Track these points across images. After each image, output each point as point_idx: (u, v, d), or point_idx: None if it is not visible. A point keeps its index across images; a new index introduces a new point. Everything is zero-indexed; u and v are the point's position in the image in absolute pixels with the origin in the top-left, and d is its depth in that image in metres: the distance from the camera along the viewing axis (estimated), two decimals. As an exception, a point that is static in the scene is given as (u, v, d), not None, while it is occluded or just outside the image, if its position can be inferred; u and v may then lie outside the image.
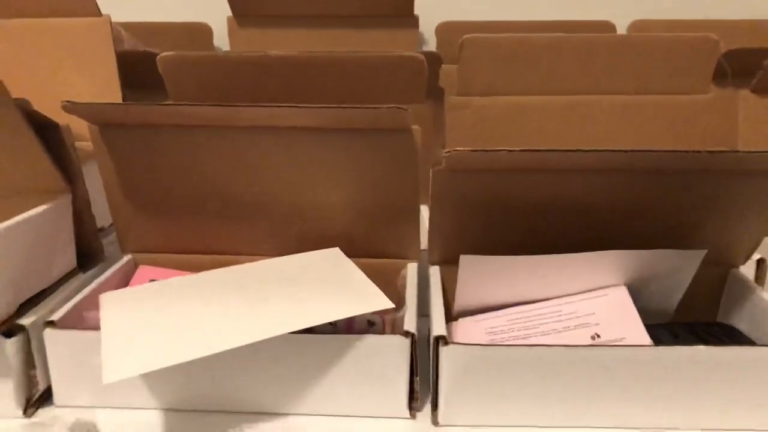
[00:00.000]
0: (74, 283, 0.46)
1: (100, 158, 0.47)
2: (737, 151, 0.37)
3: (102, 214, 0.51)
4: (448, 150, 0.39)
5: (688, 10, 0.94)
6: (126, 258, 0.50)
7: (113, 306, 0.40)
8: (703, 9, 0.95)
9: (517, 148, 0.37)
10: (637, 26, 0.93)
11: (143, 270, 0.49)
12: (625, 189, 0.44)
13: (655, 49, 0.61)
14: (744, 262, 0.51)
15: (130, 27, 0.80)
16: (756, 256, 0.52)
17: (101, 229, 0.53)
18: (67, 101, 0.40)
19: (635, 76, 0.62)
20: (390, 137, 0.46)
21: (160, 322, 0.38)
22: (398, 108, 0.41)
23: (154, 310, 0.39)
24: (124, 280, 0.49)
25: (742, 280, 0.49)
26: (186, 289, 0.42)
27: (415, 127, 0.46)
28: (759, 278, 0.53)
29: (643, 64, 0.61)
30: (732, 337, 0.47)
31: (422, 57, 0.56)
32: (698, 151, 0.37)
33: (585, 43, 0.60)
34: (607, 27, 0.93)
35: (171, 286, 0.42)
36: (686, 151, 0.37)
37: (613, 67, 0.61)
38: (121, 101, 0.58)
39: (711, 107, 0.64)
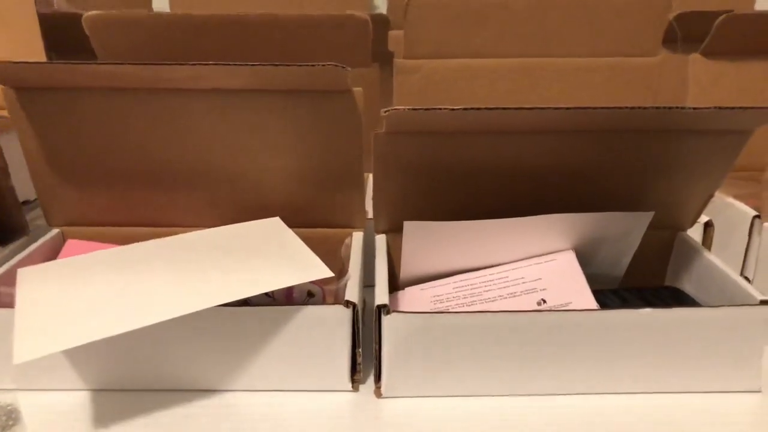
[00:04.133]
0: (-5, 257, 0.43)
1: (19, 125, 0.44)
2: (684, 108, 0.36)
3: (30, 187, 0.48)
4: (386, 109, 0.37)
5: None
6: (53, 232, 0.47)
7: (30, 281, 0.37)
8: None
9: (459, 107, 0.35)
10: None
11: (72, 244, 0.46)
12: (572, 150, 0.42)
13: (606, 10, 0.59)
14: (691, 225, 0.50)
15: (62, -13, 0.75)
16: (703, 218, 0.52)
17: (26, 202, 0.49)
18: (-27, 61, 0.37)
19: (586, 37, 0.60)
20: (330, 99, 0.43)
21: (81, 297, 0.35)
22: (336, 66, 0.39)
23: (75, 284, 0.37)
24: (51, 255, 0.46)
25: (689, 243, 0.49)
26: (112, 263, 0.39)
27: (356, 88, 0.44)
28: (706, 241, 0.53)
29: (594, 26, 0.60)
30: (679, 300, 0.47)
31: (366, 17, 0.54)
32: (644, 108, 0.36)
33: (535, 3, 0.58)
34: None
35: (96, 260, 0.40)
36: (630, 108, 0.36)
37: (565, 29, 0.59)
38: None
39: (661, 70, 0.63)
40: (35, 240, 0.46)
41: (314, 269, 0.38)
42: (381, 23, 0.63)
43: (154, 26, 0.52)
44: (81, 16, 0.60)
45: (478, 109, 0.36)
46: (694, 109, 0.36)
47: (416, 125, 0.39)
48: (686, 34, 0.72)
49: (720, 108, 0.36)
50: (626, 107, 0.36)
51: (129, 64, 0.38)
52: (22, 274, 0.38)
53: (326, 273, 0.37)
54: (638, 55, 0.61)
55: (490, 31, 0.58)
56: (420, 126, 0.40)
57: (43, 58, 0.55)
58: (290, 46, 0.54)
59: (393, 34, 0.69)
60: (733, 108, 0.36)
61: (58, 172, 0.46)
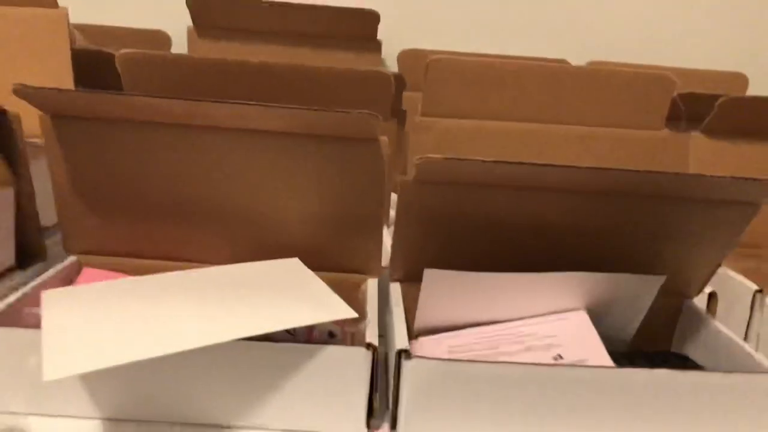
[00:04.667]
0: (12, 280, 0.43)
1: (50, 150, 0.44)
2: (702, 175, 0.38)
3: (48, 214, 0.48)
4: (420, 157, 0.38)
5: (641, 56, 0.98)
6: (70, 259, 0.47)
7: (56, 303, 0.37)
8: (654, 55, 0.99)
9: (489, 159, 0.37)
10: (593, 66, 0.96)
11: (88, 272, 0.46)
12: (588, 211, 0.44)
13: (615, 83, 0.62)
14: (698, 293, 0.51)
15: (85, 29, 0.77)
16: (708, 289, 0.53)
17: (46, 229, 0.49)
18: (20, 84, 0.37)
19: (595, 108, 0.63)
20: (357, 146, 0.45)
21: (107, 321, 0.35)
22: (369, 114, 0.41)
23: (100, 309, 0.37)
24: (67, 282, 0.46)
25: (695, 311, 0.50)
26: (135, 290, 0.39)
27: (383, 137, 0.45)
28: (710, 310, 0.54)
29: (603, 97, 0.63)
30: (687, 366, 0.48)
31: (389, 74, 0.56)
32: (662, 173, 0.38)
33: (549, 73, 0.61)
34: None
35: (119, 286, 0.40)
36: (649, 172, 0.38)
37: (575, 98, 0.62)
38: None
39: (665, 144, 0.66)
40: (52, 266, 0.46)
41: (337, 309, 0.38)
42: (398, 82, 0.66)
43: (186, 67, 0.54)
44: (104, 53, 0.62)
45: (508, 162, 0.37)
46: (711, 176, 0.38)
47: (445, 175, 0.40)
48: (688, 114, 0.75)
49: (734, 178, 0.38)
50: (646, 171, 0.37)
51: (168, 98, 0.39)
52: (47, 296, 0.38)
53: (350, 313, 0.38)
54: (644, 128, 0.64)
55: (504, 95, 0.61)
56: (448, 176, 0.41)
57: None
58: (315, 95, 0.56)
59: (405, 96, 0.71)
60: (745, 179, 0.38)
61: (82, 200, 0.46)
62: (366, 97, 0.57)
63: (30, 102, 0.40)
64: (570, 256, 0.45)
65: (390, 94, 0.57)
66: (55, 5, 0.58)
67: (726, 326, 0.59)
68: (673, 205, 0.45)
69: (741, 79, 0.99)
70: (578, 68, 0.69)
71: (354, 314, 0.38)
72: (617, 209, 0.44)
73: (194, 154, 0.45)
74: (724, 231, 0.46)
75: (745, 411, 0.40)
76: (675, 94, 0.74)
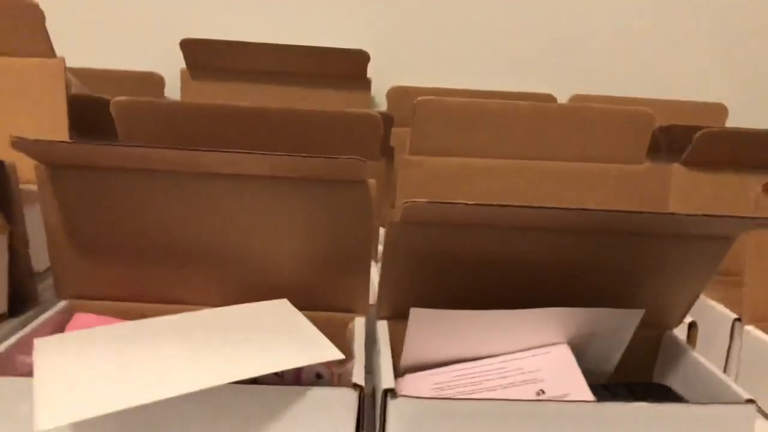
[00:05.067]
0: (3, 327, 0.44)
1: (45, 197, 0.46)
2: (675, 214, 0.39)
3: (40, 258, 0.49)
4: (406, 201, 0.39)
5: (624, 89, 1.01)
6: (62, 304, 0.48)
7: (48, 351, 0.38)
8: (637, 88, 1.02)
9: (473, 202, 0.39)
10: (577, 100, 0.99)
11: (79, 318, 0.47)
12: (569, 248, 0.45)
13: (595, 120, 0.64)
14: (678, 324, 0.53)
15: (79, 72, 0.79)
16: (688, 319, 0.55)
17: (37, 273, 0.51)
18: (16, 137, 0.39)
19: (577, 144, 0.65)
20: (345, 188, 0.46)
21: (99, 367, 0.36)
22: (357, 159, 0.42)
23: (92, 355, 0.38)
24: (58, 327, 0.47)
25: (675, 342, 0.51)
26: (126, 336, 0.40)
27: (371, 180, 0.47)
28: (690, 340, 0.56)
29: (584, 133, 0.65)
30: (667, 396, 0.49)
31: (378, 115, 0.58)
32: (639, 212, 0.40)
33: (532, 111, 0.63)
34: (549, 99, 0.98)
35: (111, 332, 0.41)
36: (626, 212, 0.39)
37: (557, 135, 0.64)
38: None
39: (645, 178, 0.68)
40: (44, 311, 0.47)
41: (325, 351, 0.39)
42: (387, 121, 0.68)
43: (178, 113, 0.56)
44: (100, 99, 0.64)
45: (490, 205, 0.39)
46: (685, 215, 0.40)
47: (430, 217, 0.42)
48: (668, 146, 0.77)
49: (707, 215, 0.40)
50: (623, 210, 0.39)
51: (160, 147, 0.41)
52: (40, 343, 0.39)
53: (337, 355, 0.39)
54: (625, 162, 0.66)
55: (488, 134, 0.63)
56: (433, 218, 0.42)
57: (67, 139, 0.58)
58: (306, 137, 0.58)
59: (394, 132, 0.73)
60: (720, 216, 0.40)
61: (75, 245, 0.47)
62: (355, 138, 0.59)
63: (27, 153, 0.42)
64: (552, 292, 0.46)
65: (379, 134, 0.59)
66: (53, 54, 0.60)
67: (707, 354, 0.60)
68: (652, 241, 0.46)
69: (721, 110, 1.01)
70: (559, 106, 0.71)
71: (341, 356, 0.39)
72: (597, 246, 0.46)
73: (186, 199, 0.46)
74: (701, 264, 0.48)
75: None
76: (656, 126, 0.77)
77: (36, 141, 0.39)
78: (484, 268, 0.46)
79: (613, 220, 0.42)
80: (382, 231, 0.69)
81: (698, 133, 0.69)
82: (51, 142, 0.39)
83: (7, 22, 0.57)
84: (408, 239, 0.44)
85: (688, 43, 1.05)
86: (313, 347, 0.40)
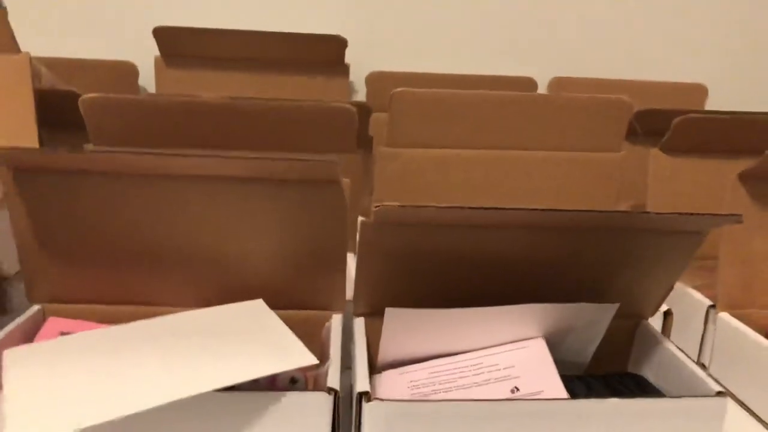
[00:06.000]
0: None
1: (12, 203, 0.45)
2: (647, 212, 0.39)
3: (9, 260, 0.49)
4: (377, 204, 0.39)
5: (605, 70, 1.00)
6: (34, 308, 0.48)
7: (18, 362, 0.38)
8: (618, 70, 1.01)
9: (444, 205, 0.38)
10: (557, 83, 0.98)
11: (53, 322, 0.47)
12: (543, 245, 0.45)
13: (572, 109, 0.64)
14: (653, 314, 0.53)
15: (51, 63, 0.77)
16: (664, 307, 0.55)
17: (6, 278, 0.50)
18: (-21, 145, 0.38)
19: (554, 133, 0.65)
20: (319, 189, 0.46)
21: (71, 381, 0.36)
22: (329, 162, 0.42)
23: (63, 367, 0.37)
24: (31, 332, 0.46)
25: (650, 332, 0.52)
26: (98, 345, 0.40)
27: (345, 179, 0.46)
28: (666, 328, 0.56)
29: (561, 122, 0.64)
30: (642, 387, 0.50)
31: (353, 108, 0.57)
32: (610, 212, 0.40)
33: (508, 101, 0.62)
34: (529, 83, 0.97)
35: (82, 341, 0.40)
36: (598, 212, 0.39)
37: (534, 124, 0.64)
38: (37, 143, 0.56)
39: (624, 165, 0.68)
40: (15, 317, 0.46)
41: (299, 356, 0.39)
42: (364, 111, 0.67)
43: (150, 109, 0.55)
44: (70, 93, 0.62)
45: (461, 207, 0.38)
46: (656, 213, 0.40)
47: (403, 218, 0.42)
48: (647, 129, 0.77)
49: (679, 213, 0.40)
50: (594, 210, 0.39)
51: (127, 152, 0.40)
52: (9, 355, 0.38)
53: (311, 360, 0.39)
54: (602, 150, 0.66)
55: (465, 125, 0.62)
56: (405, 218, 0.42)
57: (36, 137, 0.57)
58: (281, 131, 0.57)
59: (373, 118, 0.72)
60: (691, 214, 0.40)
61: (45, 250, 0.47)
62: (331, 131, 0.59)
63: (-8, 160, 0.41)
64: (527, 288, 0.47)
65: (354, 127, 0.59)
66: (17, 50, 0.58)
67: (682, 340, 0.61)
68: (625, 236, 0.46)
69: (701, 90, 1.01)
70: (536, 95, 0.71)
71: (315, 361, 0.39)
72: (571, 242, 0.46)
73: (157, 201, 0.46)
74: (675, 258, 0.48)
75: (694, 432, 0.42)
76: (634, 111, 0.76)
77: (2, 149, 0.38)
78: (458, 266, 0.46)
79: (587, 218, 0.42)
80: (361, 220, 0.69)
81: (676, 120, 0.68)
82: (16, 149, 0.38)
83: (-32, 19, 0.56)
84: (381, 239, 0.44)
85: (667, 24, 1.04)
86: (287, 352, 0.40)
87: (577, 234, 0.45)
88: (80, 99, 0.53)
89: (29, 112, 0.56)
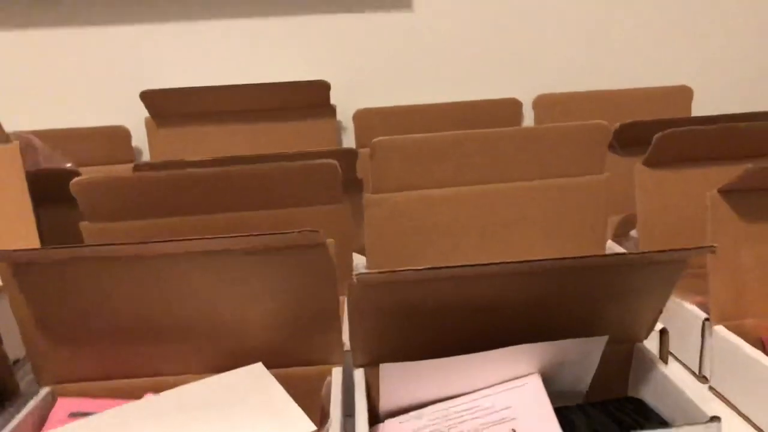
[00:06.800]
0: (-9, 424, 0.45)
1: (12, 294, 0.47)
2: (627, 254, 0.41)
3: (15, 344, 0.50)
4: (358, 274, 0.41)
5: (589, 82, 1.01)
6: (44, 391, 0.50)
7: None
8: (600, 81, 1.02)
9: (422, 267, 0.40)
10: (541, 100, 0.99)
11: (62, 402, 0.49)
12: (528, 288, 0.47)
13: (552, 138, 0.65)
14: (646, 336, 0.54)
15: (45, 134, 0.80)
16: (659, 326, 0.56)
17: (16, 362, 0.52)
18: (-23, 249, 0.40)
19: (537, 162, 0.66)
20: (305, 253, 0.47)
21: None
22: (310, 231, 0.43)
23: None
24: (43, 414, 0.48)
25: (645, 355, 0.53)
26: (107, 428, 0.42)
27: (329, 240, 0.48)
28: (663, 347, 0.57)
29: (543, 152, 0.66)
30: (640, 411, 0.50)
31: (335, 163, 0.59)
32: (593, 256, 0.41)
33: (487, 138, 0.64)
34: (513, 103, 0.98)
35: (91, 426, 0.42)
36: (581, 257, 0.40)
37: (517, 157, 0.65)
38: (34, 229, 0.58)
39: (608, 185, 0.69)
40: (27, 400, 0.48)
41: (298, 424, 0.40)
42: (350, 156, 0.69)
43: (138, 185, 0.57)
44: (62, 171, 0.65)
45: (439, 268, 0.40)
46: (633, 254, 0.41)
47: (385, 279, 0.43)
48: (630, 141, 0.78)
49: (655, 252, 0.41)
50: (577, 257, 0.40)
51: (118, 244, 0.42)
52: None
53: (309, 427, 0.40)
54: (585, 174, 0.67)
55: (447, 164, 0.64)
56: (389, 279, 0.44)
57: (33, 225, 0.59)
58: (267, 191, 0.59)
59: (362, 155, 0.73)
60: (665, 251, 0.41)
61: (48, 335, 0.49)
62: (316, 186, 0.60)
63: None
64: (518, 330, 0.48)
65: (338, 180, 0.60)
66: (6, 139, 0.60)
67: (683, 353, 0.62)
68: (609, 273, 0.47)
69: (686, 92, 1.02)
70: (515, 130, 0.71)
71: (313, 427, 0.40)
72: (556, 283, 0.47)
73: (151, 280, 0.47)
74: (660, 285, 0.49)
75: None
76: (618, 125, 0.78)
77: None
78: (448, 316, 0.47)
79: (567, 264, 0.43)
80: (357, 257, 0.71)
81: (657, 135, 0.69)
82: (11, 252, 0.40)
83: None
84: (368, 299, 0.45)
85: (649, 29, 1.05)
86: (287, 420, 0.41)
87: (561, 274, 0.46)
88: (71, 183, 0.55)
89: (24, 199, 0.58)
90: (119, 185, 0.56)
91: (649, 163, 0.72)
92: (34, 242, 0.58)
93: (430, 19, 0.99)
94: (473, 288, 0.46)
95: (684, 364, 0.63)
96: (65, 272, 0.47)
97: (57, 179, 0.62)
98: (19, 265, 0.46)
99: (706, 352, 0.60)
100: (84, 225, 0.58)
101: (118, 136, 0.90)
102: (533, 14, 1.01)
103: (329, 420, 0.43)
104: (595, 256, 0.41)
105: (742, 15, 1.06)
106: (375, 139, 0.62)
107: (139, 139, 0.91)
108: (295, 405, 0.43)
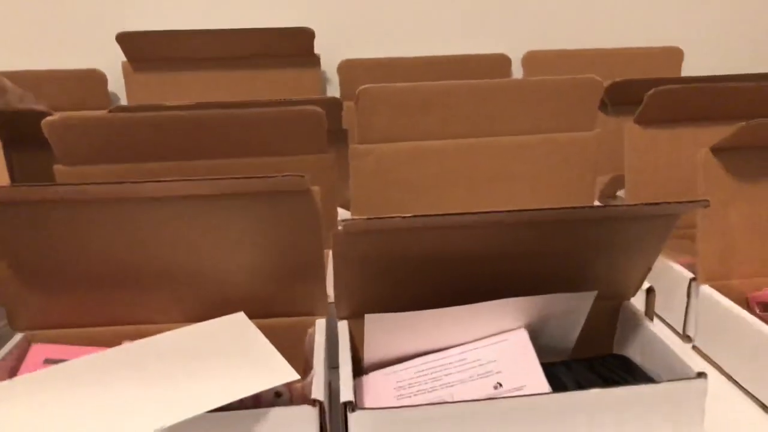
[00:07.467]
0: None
1: (-16, 237, 0.45)
2: (617, 206, 0.40)
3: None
4: (344, 220, 0.39)
5: (579, 40, 1.00)
6: (17, 337, 0.48)
7: (5, 398, 0.38)
8: (592, 38, 1.00)
9: (409, 215, 0.38)
10: (530, 57, 0.97)
11: (37, 348, 0.47)
12: (516, 240, 0.46)
13: (543, 92, 0.64)
14: (634, 294, 0.54)
15: (16, 76, 0.76)
16: (646, 284, 0.56)
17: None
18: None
19: (526, 117, 0.64)
20: (290, 199, 0.46)
21: (60, 413, 0.36)
22: (296, 176, 0.42)
23: (51, 400, 0.38)
24: (17, 359, 0.46)
25: (632, 312, 0.52)
26: (84, 375, 0.40)
27: (314, 187, 0.46)
28: (649, 305, 0.57)
29: (532, 106, 0.64)
30: (626, 368, 0.50)
31: (321, 111, 0.56)
32: (583, 207, 0.40)
33: (477, 89, 0.62)
34: (502, 59, 0.96)
35: (67, 372, 0.41)
36: (570, 208, 0.39)
37: (505, 110, 0.64)
38: (5, 171, 0.56)
39: (598, 141, 0.68)
40: (0, 346, 0.47)
41: (281, 373, 0.39)
42: (335, 106, 0.67)
43: (114, 126, 0.54)
44: (35, 112, 0.62)
45: (427, 216, 0.38)
46: (625, 206, 0.40)
47: (372, 227, 0.42)
48: (621, 100, 0.77)
49: (646, 204, 0.40)
50: (565, 208, 0.39)
51: (93, 184, 0.40)
52: (-5, 391, 0.39)
53: (292, 376, 0.39)
54: (575, 130, 0.66)
55: (435, 116, 0.62)
56: (375, 227, 0.42)
57: (4, 168, 0.56)
58: (249, 137, 0.57)
59: (347, 108, 0.71)
60: (657, 204, 0.40)
61: (24, 280, 0.47)
62: (300, 133, 0.58)
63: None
64: (505, 282, 0.47)
65: (323, 128, 0.58)
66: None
67: (668, 312, 0.62)
68: (598, 226, 0.46)
69: (676, 53, 1.01)
70: (505, 81, 0.70)
71: (296, 376, 0.39)
72: (543, 236, 0.46)
73: (129, 224, 0.45)
74: (649, 241, 0.48)
75: (679, 417, 0.42)
76: (609, 82, 0.76)
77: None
78: (434, 267, 0.46)
79: (553, 215, 0.42)
80: (341, 211, 0.69)
81: (649, 92, 0.68)
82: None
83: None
84: (354, 248, 0.44)
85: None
86: (270, 369, 0.40)
87: (549, 226, 0.45)
88: (42, 122, 0.52)
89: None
90: (95, 126, 0.54)
91: (640, 121, 0.71)
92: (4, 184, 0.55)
93: (419, -31, 0.96)
94: (460, 238, 0.45)
95: (668, 324, 0.63)
96: (39, 213, 0.45)
97: (29, 121, 0.59)
98: (-9, 205, 0.44)
99: (691, 312, 0.60)
100: (58, 168, 0.55)
101: (94, 79, 0.86)
102: (526, -33, 0.98)
103: (312, 370, 0.42)
104: (584, 207, 0.40)
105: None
106: (362, 87, 0.60)
107: (115, 84, 0.88)
108: (278, 354, 0.42)
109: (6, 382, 0.40)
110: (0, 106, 0.63)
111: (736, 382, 0.54)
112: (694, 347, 0.59)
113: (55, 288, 0.47)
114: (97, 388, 0.39)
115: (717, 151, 0.58)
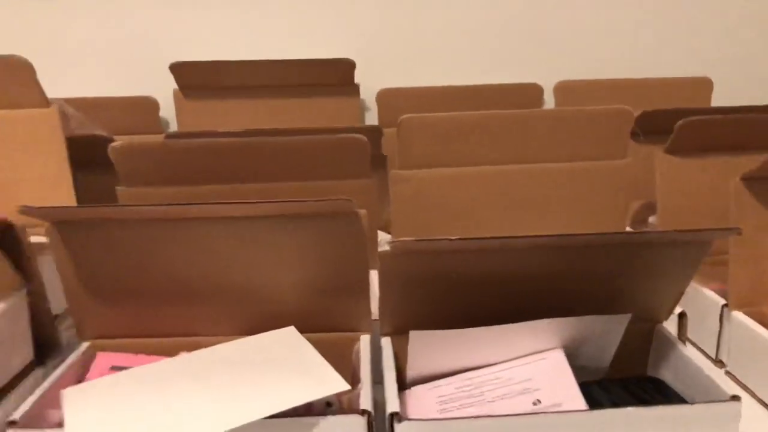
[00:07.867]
0: (33, 377, 0.47)
1: (56, 253, 0.48)
2: (649, 232, 0.42)
3: (58, 298, 0.52)
4: (393, 240, 0.42)
5: (609, 70, 1.02)
6: (84, 345, 0.51)
7: (76, 402, 0.41)
8: (620, 69, 1.03)
9: (456, 237, 0.41)
10: (562, 86, 1.00)
11: (102, 357, 0.50)
12: (556, 263, 0.48)
13: (576, 121, 0.66)
14: (667, 317, 0.55)
15: (77, 103, 0.81)
16: (678, 309, 0.57)
17: (57, 316, 0.54)
18: (24, 206, 0.42)
19: (561, 145, 0.67)
20: (338, 221, 0.49)
21: (128, 416, 0.39)
22: (344, 200, 0.45)
23: (117, 404, 0.41)
24: (83, 369, 0.50)
25: (665, 336, 0.54)
26: (149, 380, 0.43)
27: (362, 210, 0.49)
28: (681, 329, 0.58)
29: (566, 135, 0.66)
30: (660, 390, 0.52)
31: (365, 138, 0.60)
32: (616, 233, 0.42)
33: (512, 119, 0.65)
34: (535, 88, 0.99)
35: (132, 378, 0.44)
36: (606, 234, 0.42)
37: (541, 138, 0.66)
38: (72, 191, 0.60)
39: (630, 170, 0.70)
40: (68, 354, 0.50)
41: (332, 383, 0.42)
42: (375, 134, 0.70)
43: (174, 152, 0.58)
44: (99, 138, 0.66)
45: (473, 239, 0.41)
46: (656, 232, 0.42)
47: (418, 248, 0.45)
48: (651, 129, 0.79)
49: (680, 231, 0.42)
50: (602, 233, 0.41)
51: (156, 205, 0.43)
52: (67, 395, 0.42)
53: (343, 386, 0.42)
54: (608, 158, 0.68)
55: (473, 143, 0.65)
56: (421, 248, 0.45)
57: (71, 189, 0.60)
58: (297, 163, 0.60)
59: (386, 135, 0.75)
60: (691, 231, 0.42)
61: (90, 293, 0.50)
62: (345, 160, 0.61)
63: (35, 217, 0.44)
64: (543, 304, 0.49)
65: (367, 155, 0.61)
66: (46, 103, 0.62)
67: (701, 338, 0.63)
68: (634, 251, 0.48)
69: (706, 84, 1.02)
70: (540, 111, 0.73)
71: (347, 386, 0.42)
72: (581, 259, 0.48)
73: (189, 242, 0.49)
74: (682, 266, 0.50)
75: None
76: (640, 112, 0.78)
77: (42, 209, 0.41)
78: (476, 287, 0.48)
79: (593, 239, 0.44)
80: (381, 234, 0.72)
81: (679, 122, 0.70)
82: (56, 208, 0.42)
83: (1, 78, 0.59)
84: (400, 267, 0.46)
85: (670, 19, 1.06)
86: (321, 380, 0.43)
87: (585, 251, 0.47)
88: (110, 147, 0.56)
89: (63, 163, 0.59)
90: (154, 151, 0.58)
91: (671, 151, 0.73)
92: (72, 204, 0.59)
93: (453, 1, 0.99)
94: (500, 260, 0.47)
95: (700, 349, 0.65)
96: (106, 231, 0.48)
97: (89, 145, 0.64)
98: (63, 223, 0.47)
99: (724, 337, 0.61)
100: (120, 189, 0.59)
101: (147, 106, 0.91)
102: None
103: (360, 381, 0.45)
104: (619, 233, 0.42)
105: (764, 4, 1.06)
106: (403, 116, 0.63)
107: (166, 111, 0.92)
108: (329, 366, 0.44)
109: (78, 386, 0.44)
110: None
111: (768, 407, 0.55)
112: (727, 372, 0.60)
113: (120, 300, 0.51)
114: (162, 393, 0.42)
115: (747, 180, 0.60)
